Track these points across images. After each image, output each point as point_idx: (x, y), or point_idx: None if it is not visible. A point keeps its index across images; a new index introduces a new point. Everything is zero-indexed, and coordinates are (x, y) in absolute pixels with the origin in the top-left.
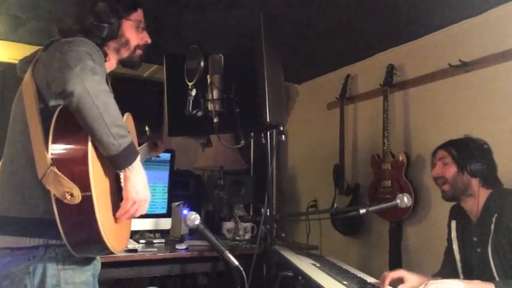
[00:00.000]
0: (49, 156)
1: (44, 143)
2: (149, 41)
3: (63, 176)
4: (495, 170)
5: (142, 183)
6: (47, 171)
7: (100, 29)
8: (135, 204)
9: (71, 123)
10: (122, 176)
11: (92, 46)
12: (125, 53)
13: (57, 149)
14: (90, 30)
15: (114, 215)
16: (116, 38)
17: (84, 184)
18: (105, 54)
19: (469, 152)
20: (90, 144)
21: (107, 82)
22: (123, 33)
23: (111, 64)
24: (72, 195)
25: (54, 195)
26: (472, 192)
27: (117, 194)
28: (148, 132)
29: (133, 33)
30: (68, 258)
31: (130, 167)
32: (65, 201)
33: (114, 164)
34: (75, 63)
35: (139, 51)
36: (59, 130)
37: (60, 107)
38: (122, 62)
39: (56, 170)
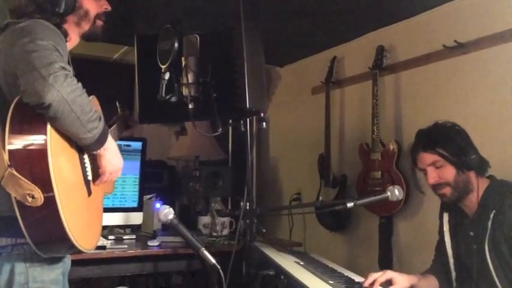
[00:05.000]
0: (6, 157)
1: (1, 142)
2: (109, 7)
3: (22, 177)
4: (477, 150)
5: (114, 156)
6: (5, 173)
7: (56, 4)
8: (111, 174)
9: (28, 118)
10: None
11: (53, 32)
12: (85, 26)
13: (14, 148)
14: (45, 8)
15: (89, 192)
16: (74, 11)
17: (45, 185)
18: (66, 34)
19: (455, 145)
20: (49, 139)
21: (69, 63)
22: (81, 4)
23: (73, 41)
24: (33, 197)
25: (15, 197)
26: (472, 187)
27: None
28: (119, 110)
29: (92, 2)
30: (36, 256)
31: (102, 147)
32: (27, 203)
33: (87, 150)
34: (47, 69)
35: (100, 22)
36: (16, 127)
37: (16, 100)
38: (84, 37)
39: (14, 172)
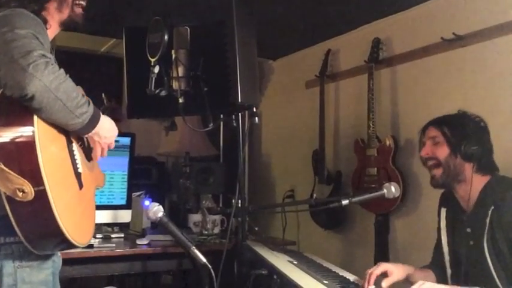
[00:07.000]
0: None
1: None
2: None
3: (11, 172)
4: (491, 153)
5: (106, 135)
6: None
7: None
8: (104, 149)
9: (14, 110)
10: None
11: (33, 20)
12: (65, 11)
13: (1, 142)
14: None
15: (80, 185)
16: None
17: (36, 178)
18: (45, 21)
19: (464, 132)
20: (37, 131)
21: (51, 52)
22: None
23: (54, 29)
24: (23, 191)
25: (4, 193)
26: (463, 177)
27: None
28: (105, 101)
29: None
30: (25, 256)
31: (93, 131)
32: (17, 198)
33: (79, 133)
34: (25, 59)
35: (78, 9)
36: (2, 120)
37: (0, 92)
38: (64, 25)
39: (2, 166)
